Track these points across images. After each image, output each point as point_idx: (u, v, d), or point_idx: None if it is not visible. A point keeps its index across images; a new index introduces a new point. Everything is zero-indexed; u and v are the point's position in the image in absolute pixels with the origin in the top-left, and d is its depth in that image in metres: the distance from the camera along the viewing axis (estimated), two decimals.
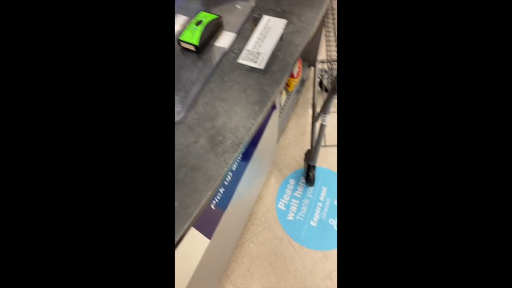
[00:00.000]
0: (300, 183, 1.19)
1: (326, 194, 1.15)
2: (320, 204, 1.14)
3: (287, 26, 0.62)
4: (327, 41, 1.10)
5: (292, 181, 1.20)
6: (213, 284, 0.90)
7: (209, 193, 0.44)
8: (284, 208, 1.13)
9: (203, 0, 0.69)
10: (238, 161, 0.71)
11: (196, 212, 0.43)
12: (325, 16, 1.08)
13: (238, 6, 0.68)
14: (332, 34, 1.06)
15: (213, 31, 0.62)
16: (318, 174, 1.19)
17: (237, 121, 0.51)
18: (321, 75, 1.34)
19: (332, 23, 1.05)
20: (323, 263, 1.02)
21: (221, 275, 0.98)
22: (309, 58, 1.34)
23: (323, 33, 1.18)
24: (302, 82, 1.37)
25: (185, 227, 0.42)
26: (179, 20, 0.66)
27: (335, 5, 1.03)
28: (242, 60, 0.58)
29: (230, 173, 0.69)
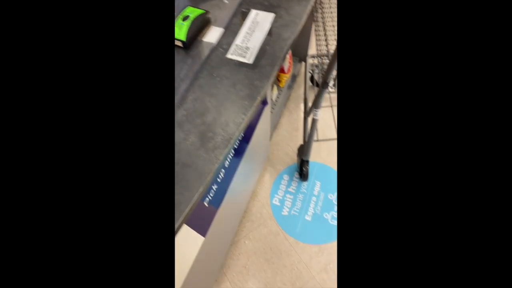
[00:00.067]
0: (294, 178, 1.19)
1: (320, 189, 1.16)
2: (314, 198, 1.14)
3: (275, 20, 0.62)
4: (317, 35, 1.10)
5: (286, 177, 1.20)
6: (209, 282, 0.90)
7: (201, 189, 0.44)
8: (278, 204, 1.14)
9: None
10: (230, 157, 0.70)
11: (187, 209, 0.43)
12: (314, 10, 1.08)
13: (226, 1, 0.67)
14: (321, 28, 1.06)
15: (200, 26, 0.61)
16: (312, 169, 1.20)
17: (227, 116, 0.50)
18: (312, 70, 1.34)
19: (321, 17, 1.05)
20: (319, 257, 1.03)
21: (217, 272, 0.98)
22: (299, 53, 1.34)
23: (313, 28, 1.18)
24: (294, 77, 1.37)
25: (178, 224, 0.42)
26: None
27: None
28: (231, 55, 0.58)
29: (223, 170, 0.69)
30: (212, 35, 0.61)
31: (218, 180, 0.68)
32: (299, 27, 0.61)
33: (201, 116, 0.51)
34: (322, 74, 1.02)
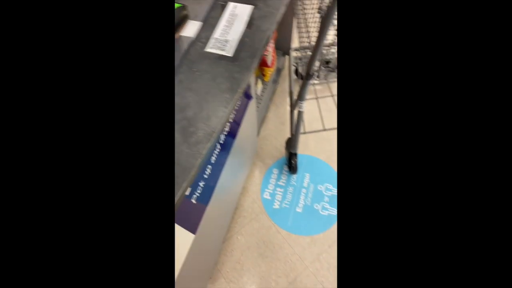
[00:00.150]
0: (284, 172, 1.20)
1: (309, 180, 1.17)
2: (304, 190, 1.15)
3: (253, 11, 0.61)
4: (298, 28, 1.10)
5: (275, 171, 1.21)
6: (203, 279, 0.90)
7: (184, 185, 0.43)
8: (269, 198, 1.14)
9: None
10: (217, 153, 0.70)
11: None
12: (295, 4, 1.08)
13: None
14: (302, 21, 1.06)
15: (178, 20, 0.60)
16: (300, 161, 1.21)
17: (209, 110, 0.50)
18: (296, 63, 1.34)
19: (301, 10, 1.05)
20: (311, 248, 1.04)
21: (211, 269, 0.97)
22: (283, 46, 1.34)
23: (295, 21, 1.18)
24: (278, 71, 1.37)
25: None
26: None
27: None
28: (210, 48, 0.57)
29: (210, 166, 0.68)
30: (190, 29, 0.60)
31: (205, 176, 0.67)
32: (277, 18, 0.61)
33: (182, 111, 0.50)
34: (305, 66, 1.03)
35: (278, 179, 1.18)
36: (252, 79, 0.79)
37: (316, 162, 1.22)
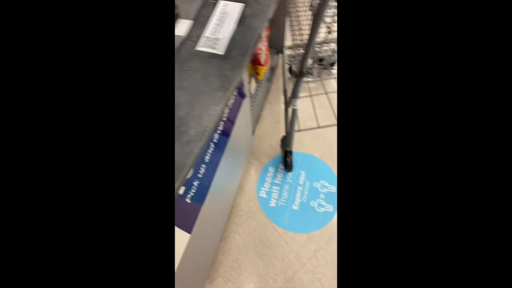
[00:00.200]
0: (279, 170, 1.20)
1: (305, 178, 1.18)
2: (300, 188, 1.16)
3: (244, 9, 0.61)
4: (291, 26, 1.10)
5: (271, 169, 1.21)
6: (200, 279, 0.90)
7: (177, 184, 0.43)
8: (265, 196, 1.14)
9: None
10: (211, 152, 0.70)
11: None
12: (286, 1, 1.07)
13: None
14: (295, 19, 1.06)
15: None
16: (296, 159, 1.21)
17: (200, 109, 0.50)
18: (290, 61, 1.34)
19: (293, 8, 1.05)
20: (308, 245, 1.05)
21: (208, 269, 0.97)
22: (276, 45, 1.34)
23: (288, 21, 1.18)
24: (272, 70, 1.37)
25: None
26: None
27: None
28: (201, 47, 0.57)
29: (204, 165, 0.68)
30: (181, 27, 0.60)
31: (199, 175, 0.67)
32: (268, 16, 0.61)
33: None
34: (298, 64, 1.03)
35: (274, 177, 1.19)
36: (245, 77, 0.79)
37: (311, 159, 1.22)
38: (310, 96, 1.30)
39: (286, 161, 1.15)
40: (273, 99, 1.38)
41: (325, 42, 1.23)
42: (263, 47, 1.14)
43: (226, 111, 0.71)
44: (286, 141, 1.10)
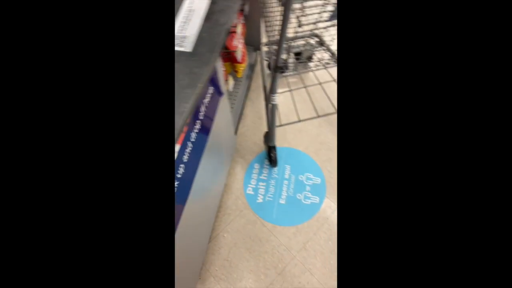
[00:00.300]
0: (265, 166, 1.21)
1: (290, 172, 1.19)
2: (286, 182, 1.17)
3: (210, 6, 0.61)
4: (265, 22, 1.11)
5: (256, 166, 1.21)
6: (191, 280, 0.89)
7: None
8: (252, 193, 1.15)
9: None
10: (189, 152, 0.69)
11: None
12: (261, 5, 1.08)
13: None
14: (268, 15, 1.06)
15: None
16: (280, 154, 1.22)
17: None
18: (269, 57, 1.35)
19: (265, 3, 1.06)
20: (297, 237, 1.06)
21: (198, 269, 0.97)
22: (253, 42, 1.34)
23: (262, 15, 1.18)
24: (252, 67, 1.37)
25: None
26: None
27: None
28: None
29: (182, 165, 0.68)
30: None
31: (178, 175, 0.66)
32: (235, 12, 0.61)
33: None
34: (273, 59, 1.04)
35: (260, 173, 1.19)
36: (221, 75, 0.79)
37: (295, 153, 1.23)
38: (290, 90, 1.32)
39: (270, 157, 1.16)
40: (254, 96, 1.38)
41: (302, 37, 1.24)
42: (239, 45, 1.14)
43: (203, 109, 0.71)
44: (268, 137, 1.11)
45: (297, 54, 1.32)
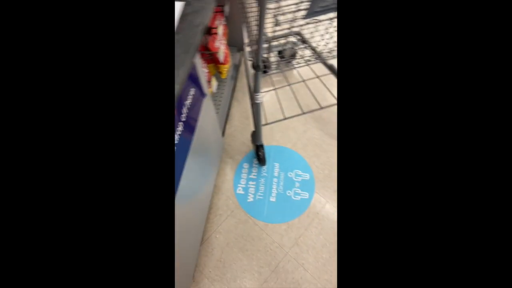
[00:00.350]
0: (254, 165, 1.21)
1: (279, 169, 1.20)
2: (275, 179, 1.18)
3: (185, 7, 0.61)
4: (246, 22, 1.11)
5: (245, 165, 1.22)
6: (184, 283, 0.89)
7: None
8: (243, 192, 1.15)
9: None
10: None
11: None
12: (241, 9, 1.09)
13: None
14: (247, 15, 1.07)
15: None
16: (268, 152, 1.23)
17: None
18: (252, 57, 1.36)
19: (243, 3, 1.06)
20: (289, 234, 1.07)
21: (191, 272, 0.97)
22: (236, 42, 1.35)
23: (242, 16, 1.19)
24: (236, 67, 1.38)
25: None
26: None
27: None
28: None
29: None
30: None
31: None
32: (209, 13, 0.62)
33: None
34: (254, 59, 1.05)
35: (249, 172, 1.20)
36: (203, 76, 0.79)
37: (283, 150, 1.24)
38: (275, 89, 1.33)
39: (258, 155, 1.16)
40: (240, 96, 1.39)
41: (284, 35, 1.25)
42: (221, 46, 1.15)
43: (185, 111, 0.71)
44: (255, 136, 1.12)
45: (280, 52, 1.33)
